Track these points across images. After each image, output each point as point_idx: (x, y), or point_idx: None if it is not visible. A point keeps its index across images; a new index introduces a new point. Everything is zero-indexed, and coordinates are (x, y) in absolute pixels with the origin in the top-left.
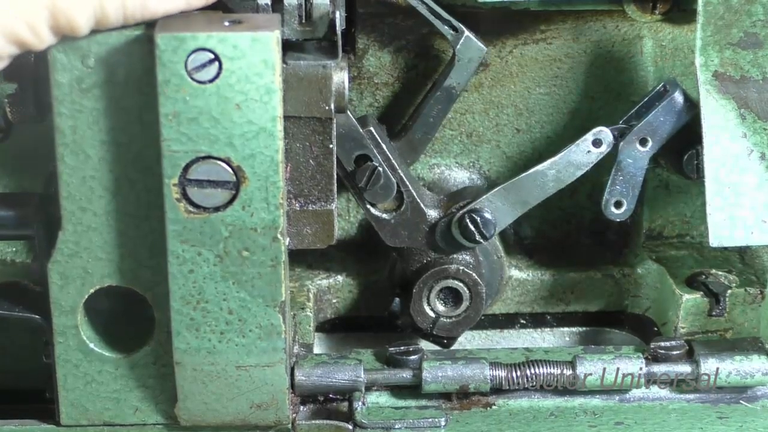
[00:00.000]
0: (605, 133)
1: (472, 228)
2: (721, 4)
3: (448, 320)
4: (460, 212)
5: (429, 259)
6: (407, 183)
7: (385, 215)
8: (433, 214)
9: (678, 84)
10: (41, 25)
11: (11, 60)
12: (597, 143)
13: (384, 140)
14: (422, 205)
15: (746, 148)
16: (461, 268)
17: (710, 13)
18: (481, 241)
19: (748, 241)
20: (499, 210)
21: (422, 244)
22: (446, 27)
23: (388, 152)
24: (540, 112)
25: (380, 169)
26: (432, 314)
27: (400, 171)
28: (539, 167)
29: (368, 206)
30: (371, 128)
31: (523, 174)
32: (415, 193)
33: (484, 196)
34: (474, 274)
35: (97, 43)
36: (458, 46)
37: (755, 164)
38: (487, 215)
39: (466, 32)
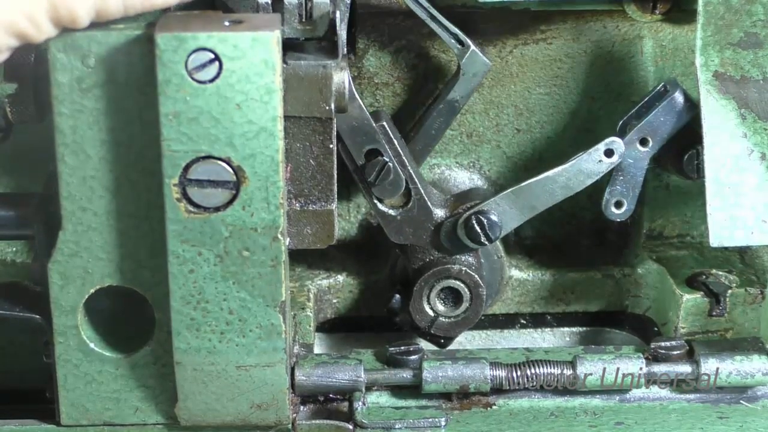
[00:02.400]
0: (618, 144)
1: (478, 229)
2: (721, 4)
3: (446, 320)
4: (467, 213)
5: (432, 257)
6: (416, 180)
7: (391, 211)
8: (439, 213)
9: (678, 84)
10: (41, 17)
11: (11, 53)
12: (609, 153)
13: (396, 136)
14: (429, 204)
15: (746, 148)
16: (464, 269)
17: (710, 13)
18: (486, 243)
19: (749, 241)
20: (505, 213)
21: (426, 243)
22: (453, 41)
23: (399, 148)
24: (540, 112)
25: (390, 164)
26: (431, 313)
27: (409, 168)
28: (549, 173)
29: (375, 201)
30: (384, 123)
31: (533, 179)
32: (423, 191)
33: (491, 199)
34: (476, 276)
35: (97, 42)
36: (463, 61)
37: (755, 164)
38: (494, 218)
39: (472, 47)
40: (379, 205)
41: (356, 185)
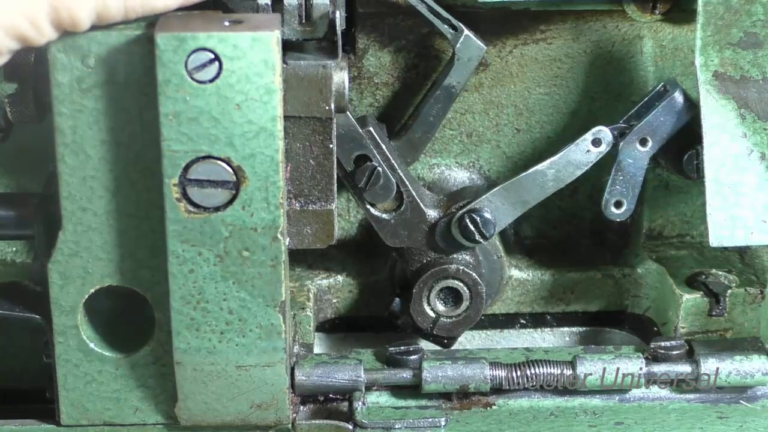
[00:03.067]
0: (605, 133)
1: (472, 228)
2: (721, 4)
3: (448, 320)
4: (460, 212)
5: (429, 258)
6: (407, 183)
7: (384, 215)
8: (432, 214)
9: (678, 84)
10: (42, 20)
11: (11, 56)
12: (596, 143)
13: (383, 140)
14: (422, 205)
15: (746, 148)
16: (461, 268)
17: (710, 13)
18: (481, 240)
19: (748, 241)
20: (498, 210)
21: (422, 244)
22: (446, 26)
23: (387, 152)
24: (540, 112)
25: (380, 169)
26: (432, 314)
27: (399, 171)
28: (539, 167)
29: (368, 206)
30: (371, 128)
31: (523, 174)
32: (414, 193)
33: (483, 196)
34: (474, 274)
35: (97, 42)
36: (458, 45)
37: (755, 164)
38: (487, 215)
39: (466, 31)
40: (372, 210)
41: None
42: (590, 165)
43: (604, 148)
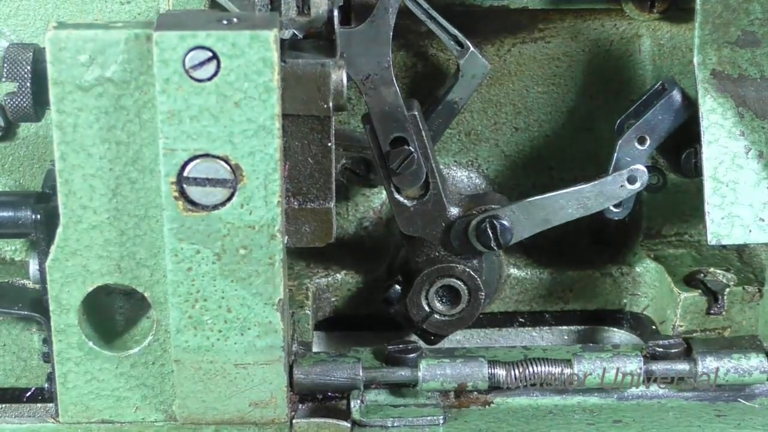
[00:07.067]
0: (641, 172)
1: (490, 233)
2: (719, 2)
3: (440, 318)
4: (481, 215)
5: (437, 254)
6: (436, 175)
7: (406, 201)
8: (453, 211)
9: (676, 82)
10: None
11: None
12: (632, 180)
13: (424, 127)
14: (445, 200)
15: (744, 147)
16: (468, 270)
17: (708, 12)
18: (495, 248)
19: (746, 240)
20: (519, 222)
21: (435, 238)
22: (452, 42)
23: (425, 140)
24: (538, 110)
25: (415, 155)
26: (427, 308)
27: (432, 161)
28: (570, 190)
29: (392, 189)
30: (416, 113)
31: (551, 193)
32: (441, 187)
33: (507, 206)
34: (478, 280)
35: (96, 41)
36: (462, 62)
37: (753, 162)
38: (507, 224)
39: (472, 48)
40: (396, 194)
41: (354, 183)
42: (620, 200)
43: (638, 186)
